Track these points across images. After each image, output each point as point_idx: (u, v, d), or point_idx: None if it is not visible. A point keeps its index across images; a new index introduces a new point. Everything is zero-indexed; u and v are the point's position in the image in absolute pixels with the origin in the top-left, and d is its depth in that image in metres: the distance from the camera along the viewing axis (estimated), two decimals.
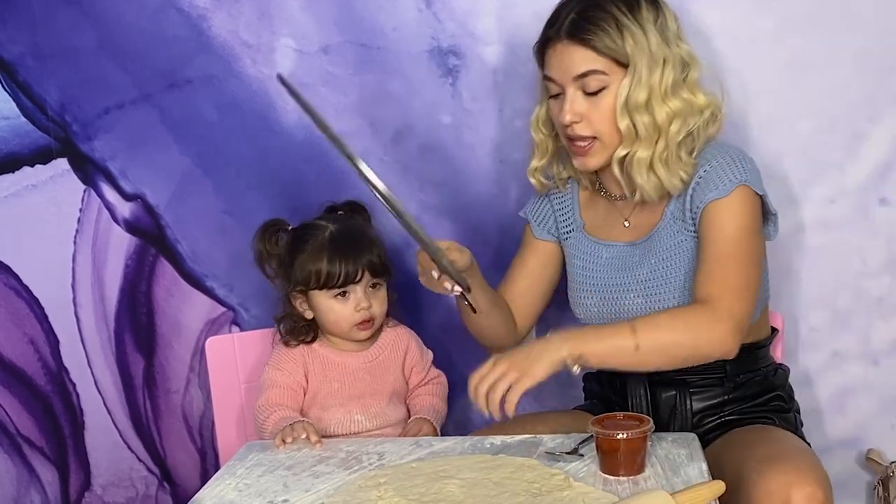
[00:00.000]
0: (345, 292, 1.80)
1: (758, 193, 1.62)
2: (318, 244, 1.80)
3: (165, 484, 2.24)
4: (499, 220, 2.04)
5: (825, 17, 1.91)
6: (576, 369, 1.49)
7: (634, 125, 1.60)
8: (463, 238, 2.06)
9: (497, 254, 2.05)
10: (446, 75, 2.02)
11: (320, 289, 1.79)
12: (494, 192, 2.04)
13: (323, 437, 1.69)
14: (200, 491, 1.49)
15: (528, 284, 1.84)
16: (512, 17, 1.96)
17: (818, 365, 2.02)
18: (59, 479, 2.25)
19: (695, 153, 1.64)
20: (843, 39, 1.91)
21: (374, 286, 1.82)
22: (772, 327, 1.80)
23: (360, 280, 1.79)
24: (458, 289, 1.60)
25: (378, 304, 1.82)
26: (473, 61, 2.00)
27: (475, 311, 1.67)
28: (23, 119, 2.12)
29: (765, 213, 1.68)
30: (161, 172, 2.11)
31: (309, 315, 1.85)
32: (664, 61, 1.60)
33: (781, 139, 1.95)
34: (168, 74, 2.07)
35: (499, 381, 1.46)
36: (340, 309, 1.80)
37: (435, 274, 1.60)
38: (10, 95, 2.11)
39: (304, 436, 1.65)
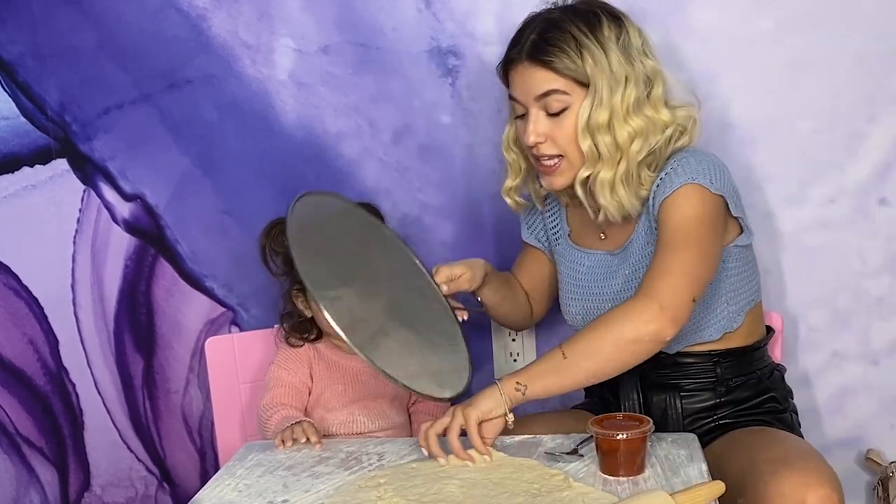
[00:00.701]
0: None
1: (714, 192, 1.59)
2: None
3: (165, 484, 2.24)
4: (498, 220, 2.04)
5: (825, 18, 1.91)
6: (510, 419, 1.51)
7: (596, 146, 1.59)
8: (462, 238, 2.07)
9: (497, 253, 2.05)
10: (446, 75, 2.02)
11: None
12: (494, 192, 2.03)
13: (325, 436, 1.69)
14: (200, 491, 1.48)
15: (529, 282, 1.88)
16: (511, 17, 1.96)
17: (818, 365, 2.02)
18: (59, 479, 2.25)
19: (657, 167, 1.63)
20: (843, 40, 1.91)
21: None
22: (768, 327, 1.79)
23: None
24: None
25: None
26: (473, 61, 2.01)
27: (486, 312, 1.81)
28: (22, 119, 2.12)
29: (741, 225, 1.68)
30: (160, 172, 2.11)
31: (308, 314, 1.85)
32: (626, 80, 1.59)
33: (781, 139, 1.95)
34: (168, 74, 2.07)
35: (451, 425, 1.48)
36: None
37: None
38: (9, 95, 2.11)
39: (303, 440, 1.65)
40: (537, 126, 1.62)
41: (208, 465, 2.21)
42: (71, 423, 2.23)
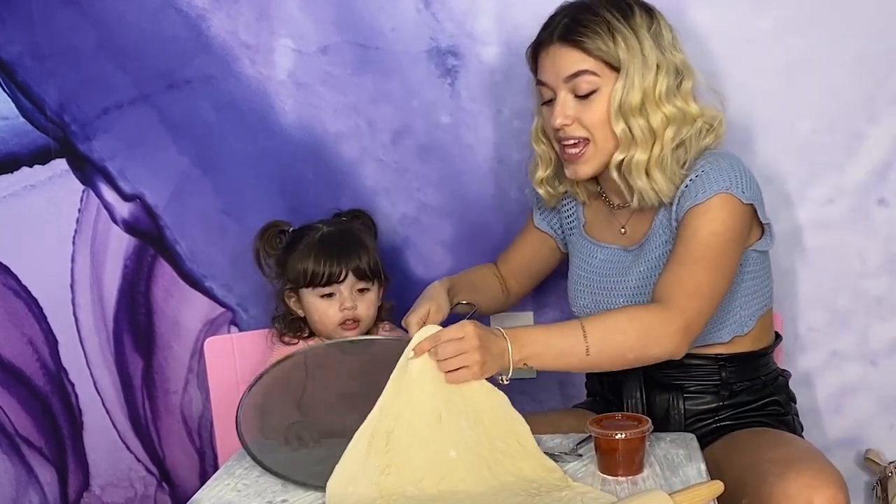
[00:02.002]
0: (331, 293, 1.81)
1: (745, 203, 1.59)
2: (308, 244, 1.82)
3: (164, 484, 2.24)
4: (498, 220, 2.04)
5: (824, 18, 1.91)
6: (504, 380, 1.47)
7: (630, 129, 1.60)
8: (461, 238, 2.07)
9: (495, 253, 2.05)
10: (445, 75, 2.02)
11: (307, 287, 1.80)
12: (493, 192, 2.04)
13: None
14: (199, 491, 1.48)
15: (521, 263, 1.90)
16: (510, 17, 1.96)
17: (817, 365, 2.02)
18: (58, 479, 2.25)
19: (686, 164, 1.63)
20: (842, 40, 1.91)
21: (361, 290, 1.82)
22: (777, 333, 1.79)
23: (343, 280, 1.80)
24: None
25: (364, 306, 1.82)
26: (472, 61, 2.01)
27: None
28: (21, 119, 2.12)
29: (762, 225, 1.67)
30: (160, 173, 2.11)
31: (300, 313, 1.85)
32: (657, 67, 1.60)
33: (781, 139, 1.95)
34: (167, 74, 2.07)
35: (459, 357, 1.42)
36: (325, 308, 1.81)
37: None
38: (8, 96, 2.11)
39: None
40: (565, 108, 1.62)
41: (207, 465, 2.21)
42: (70, 423, 2.23)
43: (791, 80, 1.94)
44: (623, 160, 1.62)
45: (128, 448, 2.22)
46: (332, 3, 2.01)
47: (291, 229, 1.89)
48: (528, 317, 2.07)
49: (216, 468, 1.78)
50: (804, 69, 1.93)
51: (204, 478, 2.13)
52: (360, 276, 1.81)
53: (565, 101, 1.62)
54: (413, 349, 1.45)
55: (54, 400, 2.22)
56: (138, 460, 2.23)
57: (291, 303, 1.86)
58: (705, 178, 1.59)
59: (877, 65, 1.91)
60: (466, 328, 1.43)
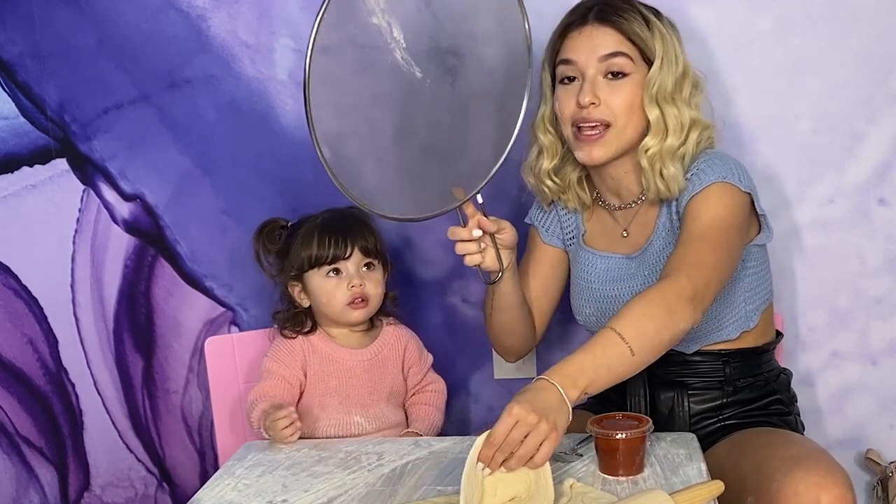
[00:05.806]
0: (337, 270, 1.80)
1: (743, 191, 1.60)
2: (308, 230, 1.82)
3: (164, 484, 2.24)
4: None
5: (825, 18, 1.91)
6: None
7: (664, 117, 1.61)
8: None
9: None
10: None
11: (312, 268, 1.80)
12: (494, 191, 2.04)
13: (322, 438, 1.69)
14: (199, 491, 1.49)
15: (540, 286, 1.84)
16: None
17: (817, 365, 2.02)
18: (59, 479, 2.25)
19: (686, 164, 1.65)
20: (842, 40, 1.92)
21: (367, 266, 1.82)
22: (777, 332, 1.79)
23: (349, 256, 1.79)
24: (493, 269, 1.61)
25: (372, 284, 1.81)
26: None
27: (496, 281, 1.66)
28: (22, 119, 2.12)
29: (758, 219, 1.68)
30: (160, 172, 2.12)
31: (306, 303, 1.85)
32: (684, 72, 1.64)
33: (780, 139, 1.96)
34: (167, 74, 2.07)
35: (532, 434, 1.31)
36: (332, 287, 1.80)
37: (482, 244, 1.61)
38: (9, 95, 2.11)
39: (282, 427, 1.64)
40: (595, 87, 1.62)
41: (208, 465, 2.21)
42: (70, 423, 2.23)
43: (791, 80, 1.94)
44: (653, 147, 1.62)
45: (128, 448, 2.22)
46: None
47: (290, 223, 1.89)
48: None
49: (216, 468, 1.78)
50: (804, 69, 1.93)
51: (204, 478, 2.13)
52: (366, 252, 1.81)
53: (595, 80, 1.62)
54: (480, 461, 1.31)
55: (54, 400, 2.22)
56: (139, 460, 2.23)
57: (296, 293, 1.85)
58: (701, 174, 1.61)
59: (877, 65, 1.92)
60: (513, 409, 1.30)
